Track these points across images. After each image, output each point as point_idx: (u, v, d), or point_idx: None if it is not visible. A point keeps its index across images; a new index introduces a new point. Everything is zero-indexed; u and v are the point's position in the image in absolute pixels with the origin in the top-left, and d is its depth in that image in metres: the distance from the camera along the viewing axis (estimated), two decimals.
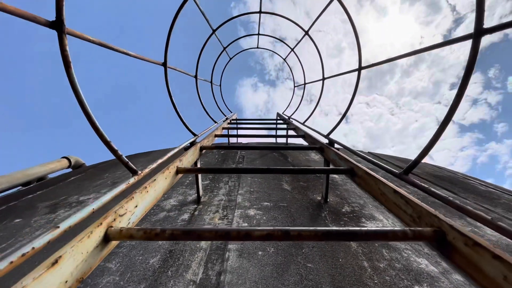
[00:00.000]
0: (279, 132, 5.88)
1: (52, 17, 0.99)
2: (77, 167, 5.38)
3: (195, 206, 2.19)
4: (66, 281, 0.62)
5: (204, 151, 2.26)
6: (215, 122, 3.61)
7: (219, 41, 4.09)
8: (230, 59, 5.81)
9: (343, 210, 2.12)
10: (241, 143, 5.19)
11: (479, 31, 1.03)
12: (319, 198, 2.35)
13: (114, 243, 0.82)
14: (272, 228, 0.79)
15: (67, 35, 1.02)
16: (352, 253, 1.53)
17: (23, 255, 0.57)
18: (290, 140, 5.02)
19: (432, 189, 1.02)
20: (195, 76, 3.40)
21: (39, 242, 0.60)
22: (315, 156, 4.15)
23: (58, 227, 0.67)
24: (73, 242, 0.66)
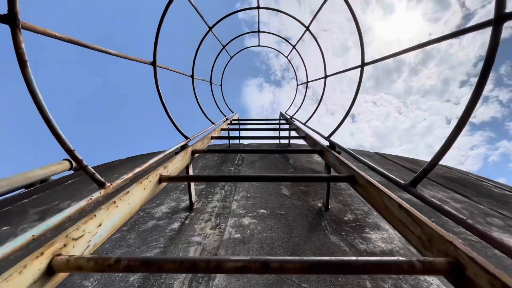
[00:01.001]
0: (281, 133, 5.72)
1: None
2: (78, 169, 5.34)
3: (187, 213, 2.07)
4: None
5: (196, 155, 2.13)
6: (213, 123, 3.48)
7: (217, 39, 3.96)
8: (231, 57, 5.68)
9: (345, 218, 1.96)
10: (242, 144, 5.05)
11: (501, 16, 0.86)
12: (319, 204, 2.19)
13: (62, 275, 0.69)
14: (248, 258, 0.65)
15: (22, 30, 0.90)
16: None
17: None
18: (293, 141, 4.85)
19: (445, 207, 0.86)
20: (192, 76, 3.28)
21: None
22: (318, 157, 3.99)
23: None
24: None
